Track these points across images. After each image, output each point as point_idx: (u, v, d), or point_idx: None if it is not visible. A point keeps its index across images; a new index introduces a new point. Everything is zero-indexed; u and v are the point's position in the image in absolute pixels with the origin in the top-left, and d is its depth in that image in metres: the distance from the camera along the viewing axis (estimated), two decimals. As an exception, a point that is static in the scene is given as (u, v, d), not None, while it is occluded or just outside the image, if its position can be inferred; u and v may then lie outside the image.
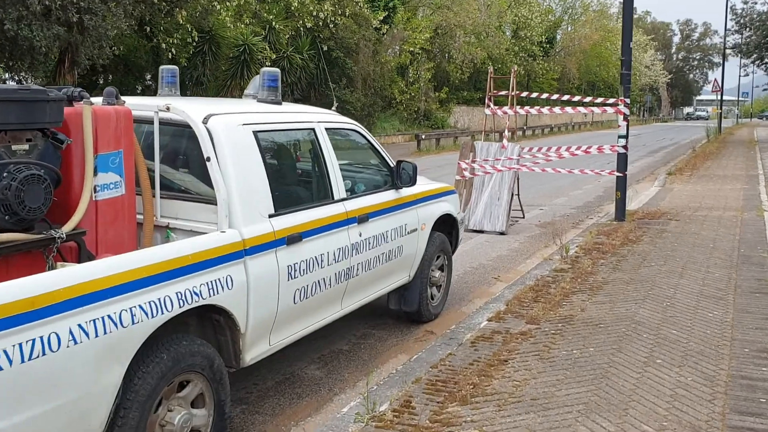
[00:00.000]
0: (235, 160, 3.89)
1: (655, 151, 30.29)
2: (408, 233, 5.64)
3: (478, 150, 10.89)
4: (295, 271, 4.17)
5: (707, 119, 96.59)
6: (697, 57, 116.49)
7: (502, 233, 10.41)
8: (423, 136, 29.70)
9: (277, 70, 4.75)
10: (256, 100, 4.76)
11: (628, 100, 9.90)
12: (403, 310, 6.00)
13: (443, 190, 6.51)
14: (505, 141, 10.71)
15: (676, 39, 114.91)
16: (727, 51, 43.39)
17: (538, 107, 10.87)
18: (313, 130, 4.72)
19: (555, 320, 5.56)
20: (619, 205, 10.58)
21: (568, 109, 10.30)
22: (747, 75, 65.21)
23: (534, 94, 11.73)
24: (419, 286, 5.96)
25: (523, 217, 11.97)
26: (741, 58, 47.48)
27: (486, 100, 11.23)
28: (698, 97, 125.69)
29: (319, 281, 4.42)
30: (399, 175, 5.52)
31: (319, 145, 4.71)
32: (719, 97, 46.21)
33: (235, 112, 4.16)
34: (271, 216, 4.06)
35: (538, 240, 10.05)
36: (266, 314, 3.98)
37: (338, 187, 4.76)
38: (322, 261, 4.43)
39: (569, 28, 73.26)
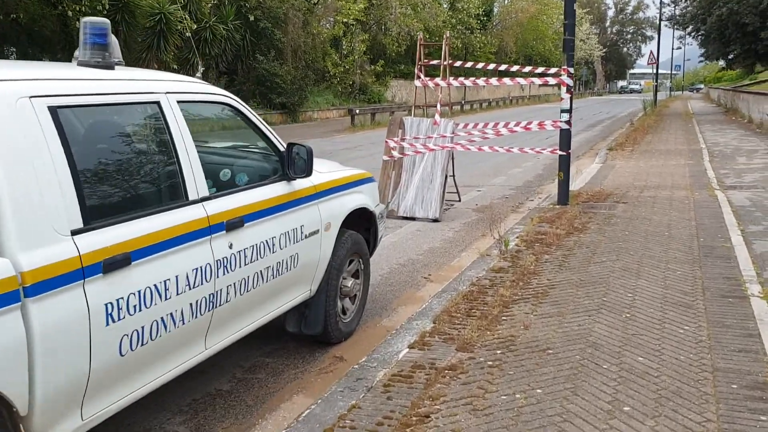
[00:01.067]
0: (6, 149, 2.55)
1: (593, 126, 29.68)
2: (306, 237, 4.38)
3: (408, 126, 9.67)
4: (119, 310, 2.86)
5: (640, 92, 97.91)
6: (631, 30, 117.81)
7: (435, 220, 9.25)
8: (357, 111, 28.34)
9: (106, 21, 3.37)
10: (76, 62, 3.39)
11: (572, 69, 8.82)
12: (305, 333, 4.76)
13: (357, 178, 5.25)
14: (437, 116, 9.51)
15: (611, 13, 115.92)
16: (663, 23, 43.18)
17: (473, 78, 9.70)
18: (158, 103, 3.37)
19: (492, 345, 4.40)
20: (561, 187, 9.53)
21: (506, 80, 9.12)
22: (680, 48, 65.72)
23: (469, 64, 10.55)
24: (325, 302, 4.72)
25: (459, 200, 10.85)
26: (676, 29, 47.48)
27: (416, 71, 10.00)
28: (632, 71, 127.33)
29: (163, 319, 3.13)
30: (291, 162, 4.24)
31: (167, 124, 3.37)
32: (654, 70, 46.12)
33: (21, 78, 2.79)
34: (76, 232, 2.73)
35: (474, 228, 8.92)
36: (69, 379, 2.68)
37: (196, 182, 3.45)
38: (167, 290, 3.13)
39: (506, 1, 72.61)
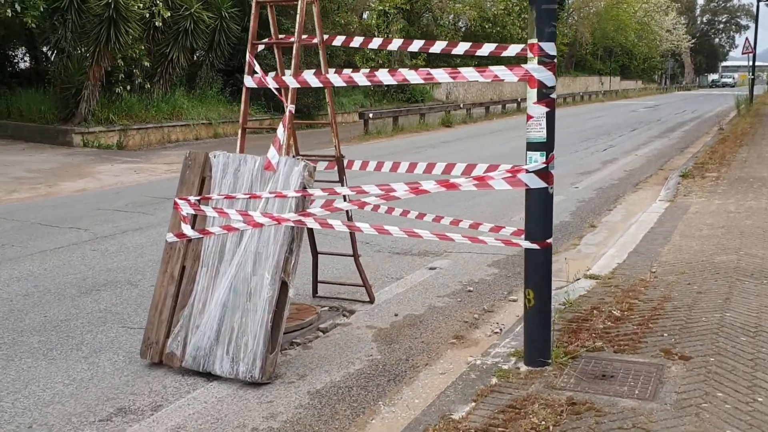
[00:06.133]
0: None
1: (672, 130, 23.60)
2: None
3: (216, 172, 4.63)
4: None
5: (733, 86, 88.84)
6: (723, 20, 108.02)
7: (255, 383, 4.21)
8: (371, 115, 23.27)
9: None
10: None
11: (551, 50, 3.60)
12: None
13: None
14: (272, 152, 4.43)
15: (701, 1, 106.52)
16: (763, 2, 36.18)
17: (367, 71, 4.42)
18: None
19: None
20: (531, 324, 4.08)
21: (438, 74, 3.90)
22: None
23: (356, 42, 5.29)
24: None
25: (371, 301, 5.78)
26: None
27: (248, 55, 4.94)
28: (724, 63, 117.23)
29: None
30: None
31: None
32: (750, 61, 39.08)
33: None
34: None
35: (348, 398, 3.85)
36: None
37: None
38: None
39: (581, -13, 66.04)
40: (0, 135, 19.43)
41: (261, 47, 5.35)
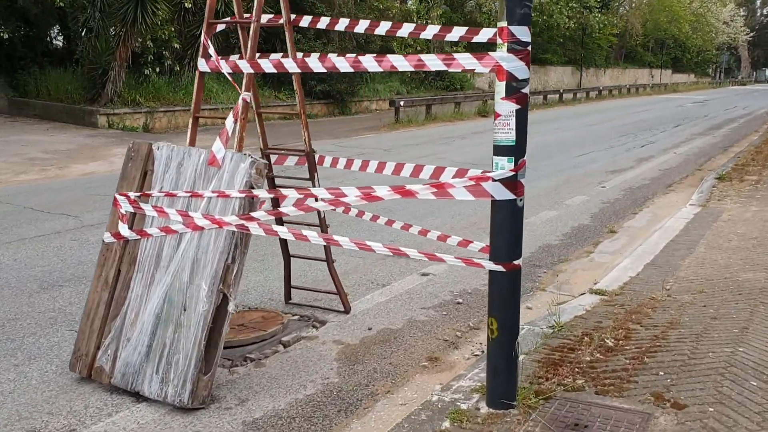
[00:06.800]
0: None
1: (718, 127, 22.43)
2: None
3: (160, 164, 4.14)
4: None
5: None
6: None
7: (185, 408, 3.72)
8: (402, 103, 22.66)
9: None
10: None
11: (523, 34, 3.00)
12: None
13: None
14: (218, 146, 3.91)
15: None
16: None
17: (334, 54, 3.90)
18: None
19: None
20: (494, 359, 3.38)
21: (397, 59, 3.35)
22: None
23: (323, 23, 4.72)
24: None
25: (346, 311, 5.27)
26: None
27: (202, 36, 4.41)
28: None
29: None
30: None
31: None
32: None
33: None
34: None
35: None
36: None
37: None
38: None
39: (632, -24, 64.05)
40: (28, 114, 19.39)
41: (221, 27, 4.82)
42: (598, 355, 4.01)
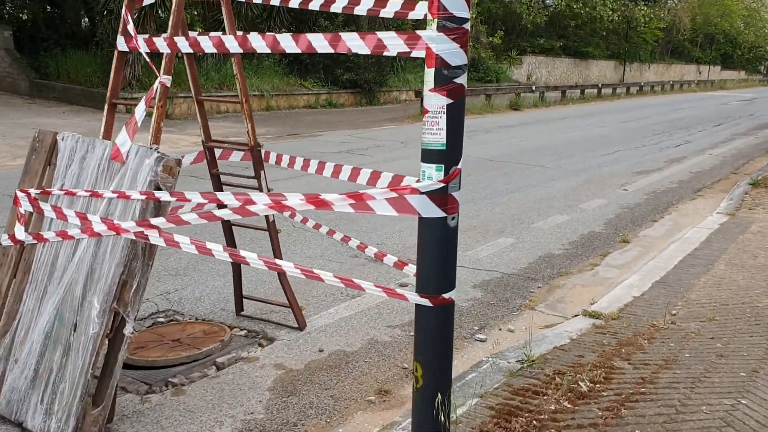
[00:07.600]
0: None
1: (762, 127, 21.19)
2: None
3: (63, 157, 3.58)
4: None
5: None
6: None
7: (71, 443, 3.16)
8: (428, 94, 21.87)
9: None
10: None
11: (458, 9, 2.35)
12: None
13: None
14: (123, 139, 3.33)
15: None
16: None
17: (242, 34, 3.28)
18: None
19: None
20: (419, 425, 2.69)
21: (311, 40, 2.71)
22: None
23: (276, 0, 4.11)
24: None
25: (301, 328, 4.68)
26: None
27: (123, 9, 3.83)
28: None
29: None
30: None
31: None
32: None
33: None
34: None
35: None
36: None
37: None
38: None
39: (682, -32, 61.96)
40: (48, 96, 19.19)
41: (148, 1, 4.23)
42: (565, 402, 3.33)
